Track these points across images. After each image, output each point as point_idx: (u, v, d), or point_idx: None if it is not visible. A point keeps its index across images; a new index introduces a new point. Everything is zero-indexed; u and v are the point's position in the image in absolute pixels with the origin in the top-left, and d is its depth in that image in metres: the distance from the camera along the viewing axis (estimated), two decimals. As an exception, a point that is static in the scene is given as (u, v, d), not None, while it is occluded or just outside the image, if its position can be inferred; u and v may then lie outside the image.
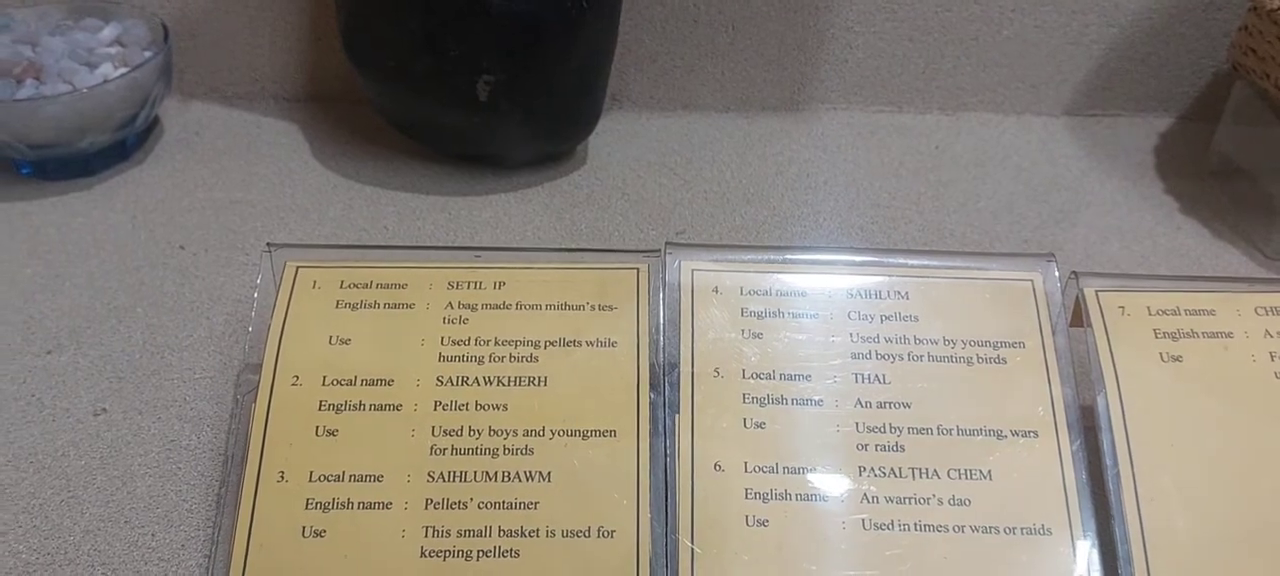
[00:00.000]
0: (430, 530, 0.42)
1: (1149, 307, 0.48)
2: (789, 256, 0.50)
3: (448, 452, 0.44)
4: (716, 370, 0.46)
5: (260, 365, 0.46)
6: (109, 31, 0.67)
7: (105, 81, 0.63)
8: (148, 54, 0.66)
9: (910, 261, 0.50)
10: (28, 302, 0.56)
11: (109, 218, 0.63)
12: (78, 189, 0.65)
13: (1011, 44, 0.75)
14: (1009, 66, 0.76)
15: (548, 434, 0.45)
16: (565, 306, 0.48)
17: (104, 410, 0.50)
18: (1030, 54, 0.75)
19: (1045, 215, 0.67)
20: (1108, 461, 0.44)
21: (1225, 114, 0.70)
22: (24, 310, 0.56)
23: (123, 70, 0.64)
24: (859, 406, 0.46)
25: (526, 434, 0.45)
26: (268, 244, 0.48)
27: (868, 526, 0.43)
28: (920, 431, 0.45)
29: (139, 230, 0.62)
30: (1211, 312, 0.48)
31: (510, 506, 0.43)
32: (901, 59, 0.75)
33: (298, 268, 0.49)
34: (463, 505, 0.43)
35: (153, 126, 0.70)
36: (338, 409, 0.45)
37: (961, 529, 0.43)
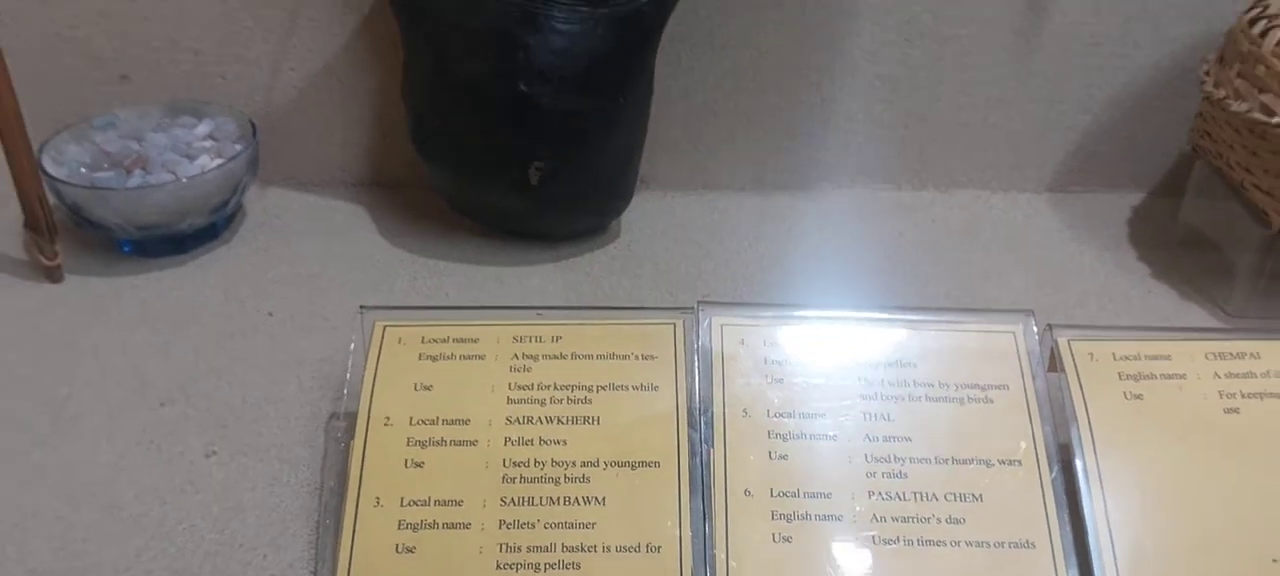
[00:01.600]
0: (504, 546, 0.50)
1: (1113, 354, 0.56)
2: (804, 314, 0.58)
3: (517, 481, 0.52)
4: (744, 410, 0.54)
5: (347, 412, 0.54)
6: (203, 127, 0.76)
7: (203, 171, 0.72)
8: (238, 147, 0.75)
9: (909, 317, 0.58)
10: (140, 364, 0.64)
11: (204, 291, 0.71)
12: (174, 265, 0.74)
13: (997, 129, 0.83)
14: (995, 149, 0.84)
15: (601, 465, 0.52)
16: (613, 356, 0.56)
17: (214, 452, 0.58)
18: (1014, 137, 0.84)
19: (1030, 280, 0.75)
20: (1081, 485, 0.51)
21: (1189, 190, 0.78)
22: (138, 370, 0.64)
23: (218, 161, 0.73)
24: (867, 440, 0.53)
25: (583, 465, 0.52)
26: (361, 306, 0.57)
27: (877, 542, 0.50)
28: (921, 461, 0.53)
29: (231, 301, 0.70)
30: (1168, 358, 0.56)
31: (571, 526, 0.50)
32: (899, 143, 0.84)
33: (385, 327, 0.57)
34: (531, 525, 0.50)
35: (237, 210, 0.79)
36: (423, 445, 0.53)
37: (958, 543, 0.50)
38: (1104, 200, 0.85)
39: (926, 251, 0.78)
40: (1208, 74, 0.71)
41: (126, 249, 0.74)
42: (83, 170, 0.72)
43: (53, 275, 0.71)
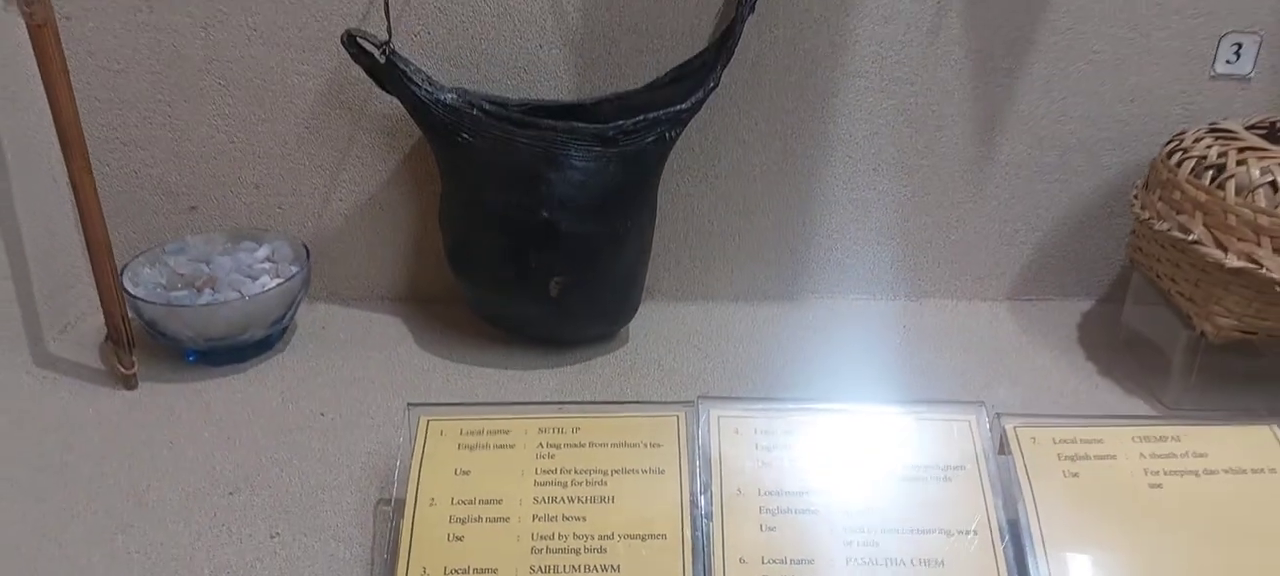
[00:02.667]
0: (534, 608, 0.58)
1: (1053, 438, 0.64)
2: (791, 407, 0.66)
3: (543, 551, 0.60)
4: (739, 489, 0.62)
5: (393, 498, 0.62)
6: (263, 251, 0.86)
7: (264, 290, 0.81)
8: (294, 268, 0.85)
9: (880, 409, 0.66)
10: (209, 457, 0.73)
11: (263, 394, 0.80)
12: (235, 372, 0.83)
13: (959, 245, 0.93)
14: (959, 262, 0.93)
15: (616, 537, 0.60)
16: (625, 444, 0.64)
17: (278, 534, 0.67)
18: (974, 253, 0.93)
19: (990, 378, 0.83)
20: (1028, 552, 0.59)
21: (1129, 297, 0.87)
22: (208, 464, 0.72)
23: (277, 281, 0.82)
24: (845, 514, 0.61)
25: (600, 537, 0.60)
26: (408, 403, 0.66)
27: (854, 601, 0.59)
28: (891, 532, 0.61)
29: (287, 403, 0.79)
30: (1100, 441, 0.64)
31: (592, 590, 0.59)
32: (874, 259, 0.93)
33: (429, 420, 0.66)
34: (557, 590, 0.59)
35: (291, 323, 0.89)
36: (463, 521, 0.61)
37: (923, 602, 0.59)
38: (1057, 307, 0.94)
39: (899, 353, 0.87)
40: (1136, 198, 0.82)
41: (191, 359, 0.83)
42: (159, 289, 0.82)
43: (129, 383, 0.80)
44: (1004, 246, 0.93)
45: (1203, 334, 0.75)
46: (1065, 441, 0.64)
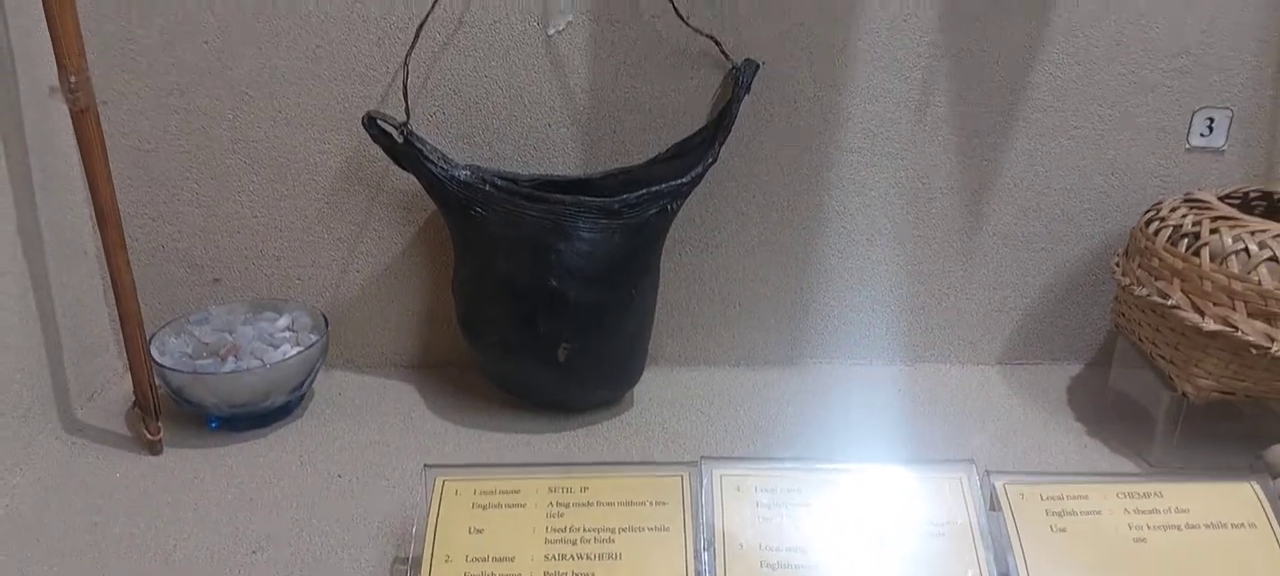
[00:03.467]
0: (545, 659, 0.61)
1: (1041, 494, 0.67)
2: (789, 466, 0.69)
3: (554, 607, 0.63)
4: (741, 544, 0.65)
5: (411, 556, 0.65)
6: (283, 320, 0.90)
7: (285, 358, 0.85)
8: (314, 336, 0.88)
9: (876, 468, 0.69)
10: (233, 518, 0.76)
11: (282, 458, 0.83)
12: (255, 438, 0.86)
13: (952, 312, 0.96)
14: (952, 328, 0.96)
15: (624, 593, 0.64)
16: (631, 503, 0.67)
17: (299, 591, 0.69)
18: (967, 319, 0.96)
19: (984, 440, 0.86)
20: (1018, 603, 0.63)
21: (1115, 360, 0.90)
22: (231, 523, 0.75)
23: (298, 349, 0.86)
24: (843, 568, 0.64)
25: (609, 593, 0.63)
26: (425, 465, 0.69)
27: (851, 652, 0.61)
28: (886, 585, 0.64)
29: (306, 466, 0.82)
30: (1086, 497, 0.67)
31: (600, 642, 0.61)
32: (869, 325, 0.96)
33: (444, 481, 0.69)
34: (567, 641, 0.61)
35: (309, 390, 0.92)
36: (477, 578, 0.64)
37: (918, 652, 0.61)
38: (1046, 370, 0.97)
39: (895, 415, 0.90)
40: (1117, 265, 0.86)
41: (213, 425, 0.86)
42: (185, 358, 0.85)
43: (154, 448, 0.83)
44: (995, 312, 0.96)
45: (1184, 395, 0.78)
46: (1053, 497, 0.67)
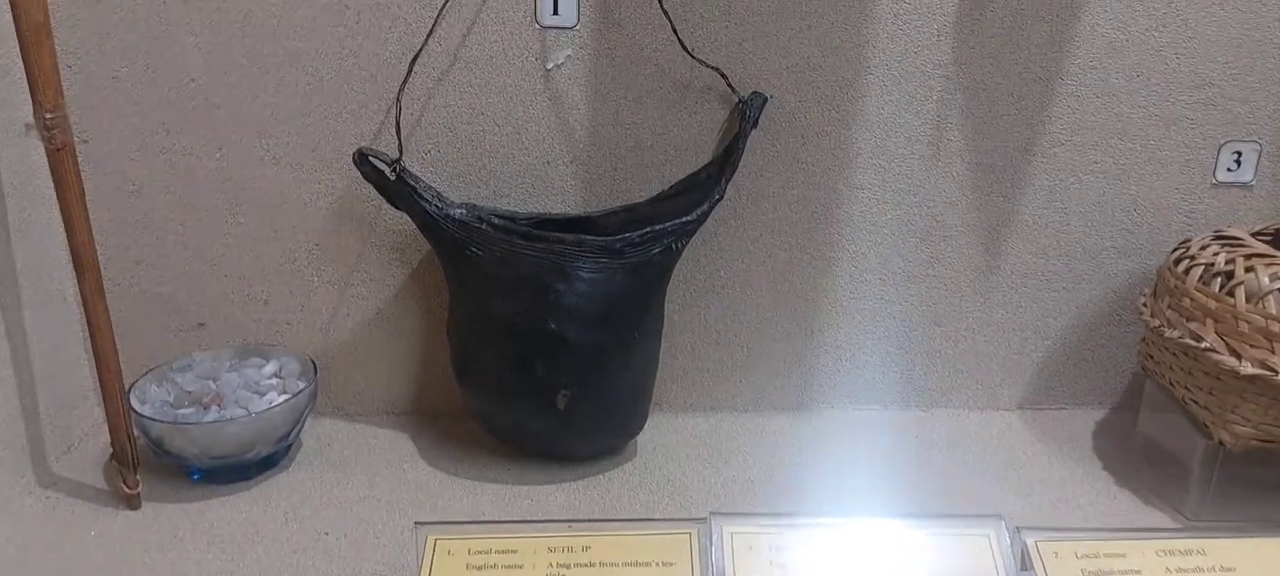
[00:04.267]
0: None
1: (1076, 553, 0.63)
2: (805, 521, 0.65)
3: (553, 675, 0.59)
4: (754, 608, 0.61)
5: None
6: (270, 367, 0.86)
7: (271, 406, 0.81)
8: (301, 384, 0.84)
9: (897, 523, 0.65)
10: (212, 579, 0.72)
11: (267, 514, 0.79)
12: (238, 491, 0.81)
13: (969, 355, 0.93)
14: (970, 371, 0.93)
15: (629, 658, 0.59)
16: (636, 564, 0.63)
17: (279, 659, 0.65)
18: (985, 362, 0.93)
19: (1005, 489, 0.82)
20: (1054, 669, 0.58)
21: (1143, 405, 0.86)
22: (211, 585, 0.71)
23: (284, 397, 0.82)
24: (862, 633, 0.60)
25: (613, 659, 0.59)
26: (416, 522, 0.64)
27: None
28: (910, 652, 0.60)
29: (291, 523, 0.78)
30: (1124, 556, 0.63)
31: None
32: (883, 368, 0.92)
33: (437, 540, 0.64)
34: None
35: (297, 440, 0.88)
36: (471, 645, 0.60)
37: None
38: (1069, 416, 0.94)
39: (912, 464, 0.86)
40: (1145, 305, 0.82)
41: (196, 477, 0.82)
42: (166, 407, 0.81)
43: (132, 503, 0.79)
44: (1014, 355, 0.93)
45: (1221, 443, 0.74)
46: (1089, 556, 0.63)
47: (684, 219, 0.77)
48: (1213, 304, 0.73)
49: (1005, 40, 0.83)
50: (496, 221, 0.79)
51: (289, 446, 0.85)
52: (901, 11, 0.82)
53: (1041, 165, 0.86)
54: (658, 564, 0.63)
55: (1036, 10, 0.82)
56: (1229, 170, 0.87)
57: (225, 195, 0.85)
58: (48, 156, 0.70)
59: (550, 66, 0.82)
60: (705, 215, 0.79)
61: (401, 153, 0.79)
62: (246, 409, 0.81)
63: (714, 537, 0.63)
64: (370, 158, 0.78)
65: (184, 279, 0.88)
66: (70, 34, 0.79)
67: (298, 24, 0.80)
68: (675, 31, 0.80)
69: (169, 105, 0.82)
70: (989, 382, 0.94)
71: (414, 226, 0.80)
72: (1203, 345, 0.73)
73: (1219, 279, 0.73)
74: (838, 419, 0.93)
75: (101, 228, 0.82)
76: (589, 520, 0.66)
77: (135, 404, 0.80)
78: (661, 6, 0.79)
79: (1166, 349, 0.79)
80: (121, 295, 0.87)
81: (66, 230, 0.73)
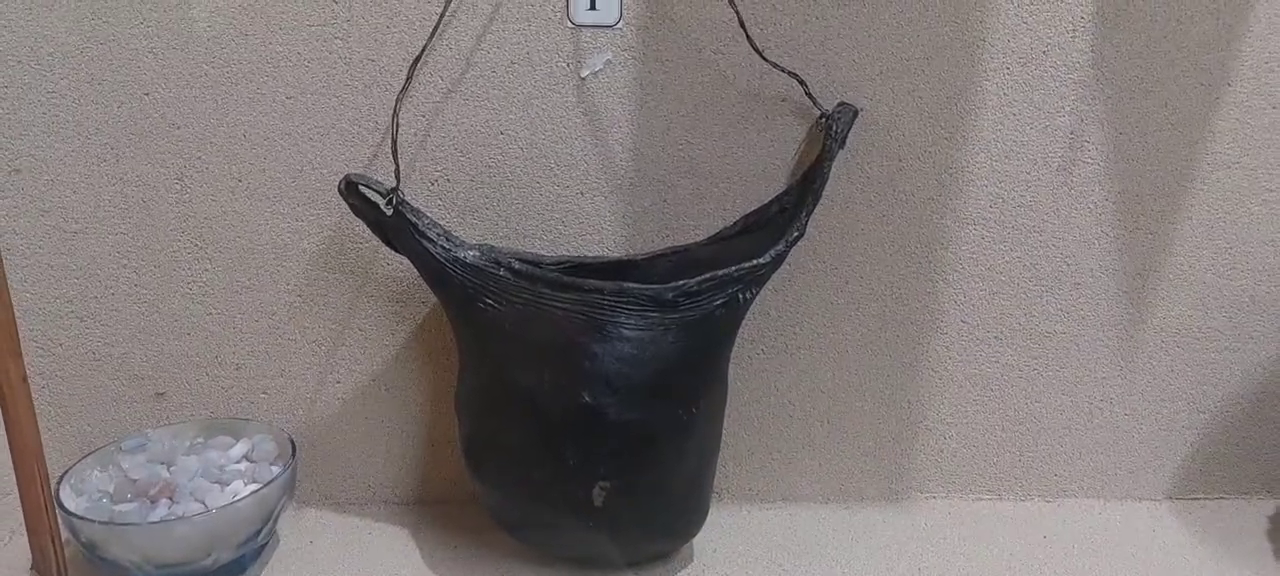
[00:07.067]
0: None
1: None
2: None
3: None
4: None
5: None
6: (239, 448, 0.73)
7: (235, 499, 0.66)
8: (275, 469, 0.70)
9: None
10: None
11: (226, 635, 0.64)
12: (194, 605, 0.67)
13: (1104, 431, 0.79)
14: (1104, 453, 0.80)
15: None
16: None
17: None
18: (1124, 440, 0.80)
19: (1169, 607, 0.66)
20: None
21: None
22: None
23: (252, 487, 0.68)
24: None
25: None
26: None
27: None
28: None
29: (254, 649, 0.63)
30: None
31: None
32: (997, 448, 0.79)
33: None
34: None
35: (269, 539, 0.72)
36: None
37: None
38: (1233, 508, 0.81)
39: (1038, 571, 0.71)
40: (1344, 370, 0.66)
41: (141, 588, 0.67)
42: (104, 500, 0.67)
43: (57, 623, 0.64)
44: (1162, 432, 0.81)
45: None
46: None
47: (753, 262, 0.67)
48: None
49: (1157, 35, 0.71)
50: (518, 266, 0.69)
51: (260, 547, 0.71)
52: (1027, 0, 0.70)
53: (1201, 194, 0.75)
54: None
55: (1195, -1, 0.70)
56: None
57: (187, 235, 0.74)
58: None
59: (585, 74, 0.72)
60: (780, 258, 0.68)
61: (399, 180, 0.69)
62: (203, 502, 0.67)
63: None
64: (361, 187, 0.68)
65: (139, 338, 0.76)
66: (-2, 40, 0.68)
67: (275, 23, 0.69)
68: (743, 26, 0.69)
69: (118, 124, 0.71)
70: (1131, 466, 0.81)
71: (416, 273, 0.69)
72: None
73: None
74: (942, 512, 0.79)
75: (34, 276, 0.72)
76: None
77: (66, 497, 0.67)
78: (725, -4, 0.65)
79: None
80: (62, 358, 0.76)
81: (-30, 278, 0.58)
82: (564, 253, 0.75)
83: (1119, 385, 0.78)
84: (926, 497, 0.80)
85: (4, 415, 0.61)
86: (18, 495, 0.65)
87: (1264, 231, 0.75)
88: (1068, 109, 0.72)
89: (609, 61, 0.71)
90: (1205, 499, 0.80)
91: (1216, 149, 0.73)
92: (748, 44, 0.68)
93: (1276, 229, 0.75)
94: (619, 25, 0.69)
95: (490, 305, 0.66)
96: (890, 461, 0.80)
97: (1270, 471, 0.80)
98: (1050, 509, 0.79)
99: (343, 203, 0.67)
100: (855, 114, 0.71)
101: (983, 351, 0.77)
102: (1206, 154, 0.73)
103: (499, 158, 0.73)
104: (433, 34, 0.67)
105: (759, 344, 0.76)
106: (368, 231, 0.69)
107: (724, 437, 0.73)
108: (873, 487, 0.80)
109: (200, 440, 0.74)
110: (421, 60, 0.68)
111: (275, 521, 0.69)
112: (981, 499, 0.80)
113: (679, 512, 0.70)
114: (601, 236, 0.75)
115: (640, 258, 0.75)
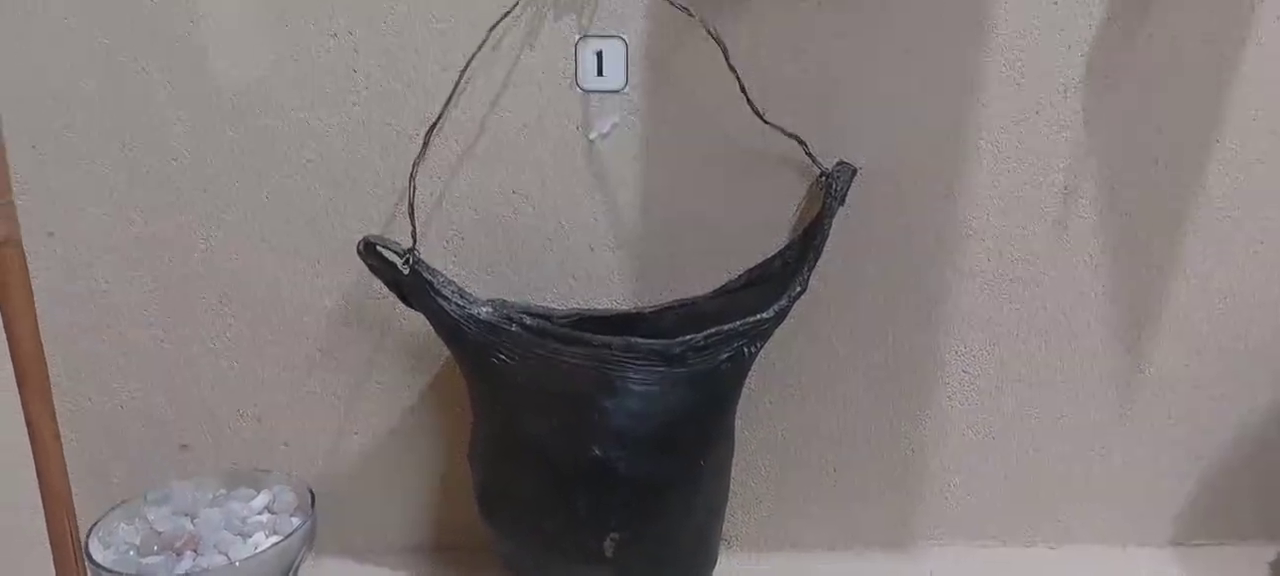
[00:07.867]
0: None
1: None
2: None
3: None
4: None
5: None
6: (260, 499, 0.74)
7: (257, 552, 0.68)
8: (295, 520, 0.72)
9: None
10: None
11: (246, 686, 0.65)
12: (217, 654, 0.68)
13: (1105, 478, 0.80)
14: (1106, 499, 0.81)
15: None
16: None
17: None
18: (1125, 487, 0.80)
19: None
20: None
21: None
22: None
23: (274, 539, 0.70)
24: None
25: None
26: None
27: None
28: None
29: (274, 698, 0.64)
30: None
31: None
32: (1000, 495, 0.80)
33: None
34: None
35: (285, 587, 0.74)
36: None
37: None
38: (1235, 554, 0.81)
39: None
40: (1339, 418, 0.66)
41: (165, 638, 0.69)
42: (132, 553, 0.69)
43: (84, 674, 0.66)
44: (1162, 478, 0.81)
45: None
46: None
47: (758, 316, 0.68)
48: None
49: (1148, 91, 0.72)
50: (529, 321, 0.70)
51: (278, 598, 0.71)
52: (1020, 62, 0.72)
53: (1195, 245, 0.76)
54: None
55: (1189, 52, 0.71)
56: None
57: (213, 292, 0.76)
58: (-14, 252, 0.59)
59: (594, 136, 0.73)
60: (784, 312, 0.69)
61: (415, 241, 0.70)
62: (227, 554, 0.69)
63: None
64: (379, 248, 0.70)
65: (164, 392, 0.78)
66: (34, 111, 0.70)
67: (297, 92, 0.71)
68: (743, 91, 0.70)
69: (148, 188, 0.73)
70: (1132, 512, 0.82)
71: (432, 329, 0.70)
72: None
73: None
74: (948, 558, 0.80)
75: (63, 334, 0.73)
76: None
77: (95, 550, 0.69)
78: (727, 61, 0.68)
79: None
80: (90, 413, 0.77)
81: (8, 337, 0.61)
82: (574, 307, 0.76)
83: (1118, 433, 0.80)
84: (933, 544, 0.81)
85: (37, 471, 0.64)
86: (49, 547, 0.67)
87: (1256, 282, 0.76)
88: (1062, 165, 0.73)
89: (616, 124, 0.73)
90: (1206, 544, 0.81)
91: (1211, 203, 0.74)
92: (749, 106, 0.69)
93: (1267, 278, 0.76)
94: (626, 90, 0.71)
95: (503, 360, 0.67)
96: (895, 509, 0.81)
97: (1270, 517, 0.80)
98: (1053, 554, 0.80)
99: (361, 262, 0.68)
100: (854, 172, 0.72)
101: (984, 400, 0.78)
102: (1200, 206, 0.74)
103: (511, 216, 0.74)
104: (449, 101, 0.69)
105: (765, 393, 0.78)
106: (386, 289, 0.70)
107: (732, 486, 0.74)
108: (879, 535, 0.81)
109: (222, 492, 0.76)
110: (437, 126, 0.69)
111: (296, 572, 0.71)
112: (986, 545, 0.81)
113: (688, 563, 0.72)
114: (611, 290, 0.76)
115: (649, 310, 0.75)
